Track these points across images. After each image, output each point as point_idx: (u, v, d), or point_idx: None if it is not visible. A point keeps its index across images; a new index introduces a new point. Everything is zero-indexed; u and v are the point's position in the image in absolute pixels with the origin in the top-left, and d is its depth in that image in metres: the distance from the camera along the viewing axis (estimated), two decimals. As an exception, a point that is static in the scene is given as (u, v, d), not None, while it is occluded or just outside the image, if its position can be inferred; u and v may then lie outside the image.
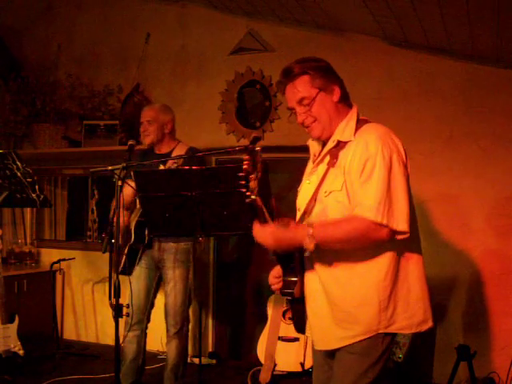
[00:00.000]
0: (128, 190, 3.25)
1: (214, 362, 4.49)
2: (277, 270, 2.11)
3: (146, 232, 3.42)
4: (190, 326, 4.48)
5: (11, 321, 3.88)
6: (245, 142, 4.43)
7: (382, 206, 1.79)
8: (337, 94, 1.98)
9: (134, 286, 3.36)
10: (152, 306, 3.62)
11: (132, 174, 3.06)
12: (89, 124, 4.89)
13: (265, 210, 1.88)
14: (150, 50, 4.90)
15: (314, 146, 2.11)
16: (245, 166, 1.81)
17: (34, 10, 5.34)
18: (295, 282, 2.00)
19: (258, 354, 3.95)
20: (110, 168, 3.06)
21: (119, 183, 2.83)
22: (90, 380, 4.07)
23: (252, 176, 1.81)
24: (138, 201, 3.38)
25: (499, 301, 3.78)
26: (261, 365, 3.84)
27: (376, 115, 4.34)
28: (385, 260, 1.87)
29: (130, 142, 3.28)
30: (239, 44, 4.59)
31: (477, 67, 3.86)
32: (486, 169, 3.84)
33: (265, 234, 1.89)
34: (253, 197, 1.82)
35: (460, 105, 3.92)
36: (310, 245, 1.84)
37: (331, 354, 2.01)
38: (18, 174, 3.74)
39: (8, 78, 4.99)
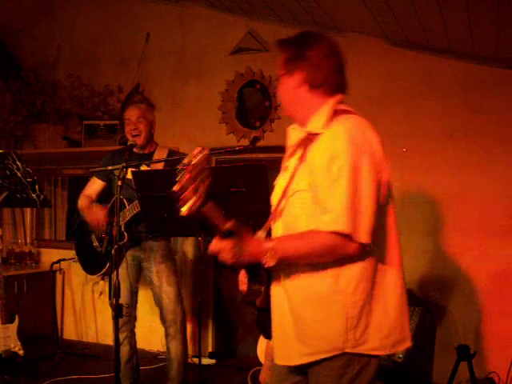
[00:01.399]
0: (97, 185, 3.58)
1: (213, 362, 4.49)
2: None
3: (134, 229, 3.43)
4: (190, 327, 4.50)
5: (11, 321, 3.88)
6: (245, 141, 4.43)
7: (348, 215, 1.61)
8: (297, 80, 1.82)
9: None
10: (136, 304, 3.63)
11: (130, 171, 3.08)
12: (89, 124, 4.89)
13: (218, 218, 1.65)
14: (150, 50, 4.90)
15: (293, 135, 1.93)
16: (178, 185, 1.55)
17: (34, 10, 5.35)
18: (260, 291, 1.85)
19: (258, 354, 3.94)
20: (109, 168, 3.08)
21: (119, 183, 2.84)
22: (90, 380, 4.07)
23: (190, 187, 1.55)
24: (125, 202, 3.37)
25: (499, 301, 3.78)
26: (261, 365, 3.83)
27: (376, 115, 4.36)
28: (354, 272, 1.69)
29: (130, 142, 3.31)
30: (239, 44, 4.59)
31: (477, 67, 3.86)
32: (486, 168, 3.84)
33: (222, 249, 1.69)
34: (183, 209, 1.57)
35: (460, 104, 3.92)
36: (270, 262, 1.67)
37: (299, 371, 1.83)
38: (18, 174, 3.74)
39: (8, 77, 4.99)
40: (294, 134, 1.91)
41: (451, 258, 3.91)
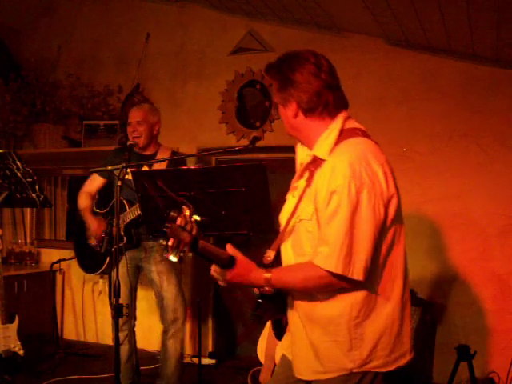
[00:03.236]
0: (98, 182, 3.63)
1: (213, 362, 4.49)
2: None
3: (133, 232, 3.45)
4: (190, 326, 4.50)
5: (11, 321, 3.88)
6: (245, 141, 4.43)
7: (340, 255, 1.62)
8: (293, 109, 1.78)
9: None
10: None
11: (130, 172, 3.07)
12: (89, 124, 4.89)
13: (214, 255, 1.72)
14: (150, 50, 4.90)
15: (301, 153, 1.91)
16: (170, 242, 1.65)
17: (34, 10, 5.35)
18: (267, 307, 1.88)
19: (258, 354, 3.94)
20: (109, 168, 3.07)
21: (119, 183, 2.83)
22: (90, 380, 4.07)
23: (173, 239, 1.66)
24: (125, 203, 3.39)
25: (499, 301, 3.78)
26: (261, 365, 3.83)
27: (376, 115, 4.37)
28: (357, 297, 1.71)
29: (129, 142, 3.31)
30: (239, 44, 4.59)
31: (477, 67, 3.86)
32: (486, 169, 3.84)
33: (221, 276, 1.76)
34: (173, 258, 1.65)
35: (460, 105, 3.92)
36: (267, 291, 1.76)
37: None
38: (18, 174, 3.74)
39: (8, 78, 4.99)
40: (302, 153, 1.89)
41: (451, 257, 3.91)
